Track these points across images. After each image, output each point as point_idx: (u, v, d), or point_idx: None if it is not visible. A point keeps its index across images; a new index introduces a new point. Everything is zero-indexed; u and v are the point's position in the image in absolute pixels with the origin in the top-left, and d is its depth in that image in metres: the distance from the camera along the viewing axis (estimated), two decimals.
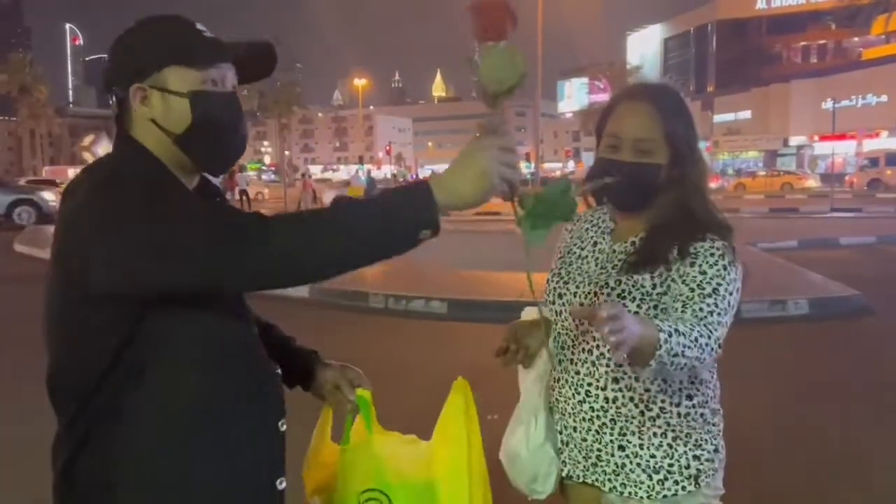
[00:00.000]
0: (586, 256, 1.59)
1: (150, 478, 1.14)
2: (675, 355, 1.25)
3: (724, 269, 1.40)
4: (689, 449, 1.48)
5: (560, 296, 1.58)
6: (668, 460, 1.47)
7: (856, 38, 57.43)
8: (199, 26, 1.22)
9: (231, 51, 1.22)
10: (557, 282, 1.60)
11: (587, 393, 1.52)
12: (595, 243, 1.60)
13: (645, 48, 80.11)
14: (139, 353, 1.10)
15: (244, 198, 26.68)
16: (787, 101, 56.57)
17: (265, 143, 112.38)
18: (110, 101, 1.22)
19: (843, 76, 52.35)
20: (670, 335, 1.24)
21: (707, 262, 1.41)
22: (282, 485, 1.27)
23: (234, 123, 1.24)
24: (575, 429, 1.54)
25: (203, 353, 1.15)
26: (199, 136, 1.20)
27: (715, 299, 1.37)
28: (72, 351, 1.13)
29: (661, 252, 1.45)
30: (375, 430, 1.46)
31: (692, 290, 1.39)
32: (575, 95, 78.30)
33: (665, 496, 1.46)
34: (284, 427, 1.29)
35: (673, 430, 1.47)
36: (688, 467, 1.47)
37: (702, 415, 1.50)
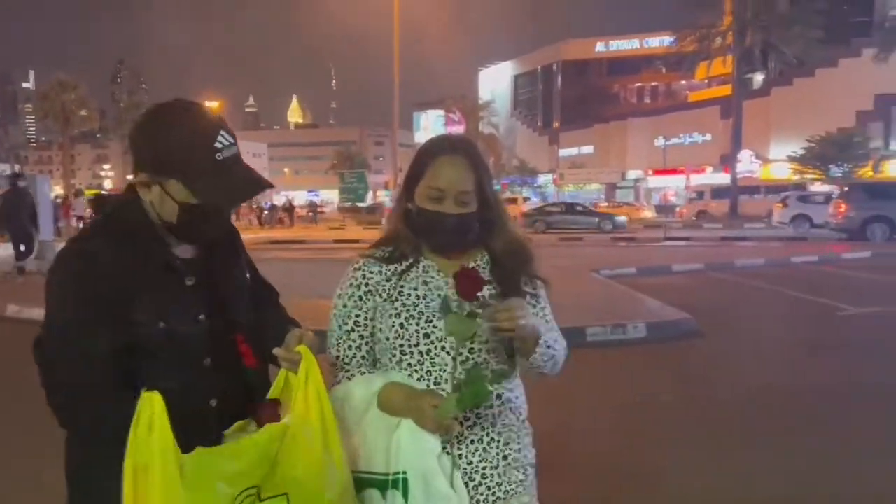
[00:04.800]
0: (426, 295, 1.61)
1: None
2: (549, 347, 1.55)
3: (541, 288, 1.70)
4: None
5: (427, 336, 1.58)
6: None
7: (683, 82, 63.09)
8: (218, 142, 1.42)
9: (218, 192, 1.43)
10: (416, 330, 1.58)
11: (477, 416, 1.60)
12: (425, 282, 1.63)
13: (496, 84, 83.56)
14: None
15: (81, 224, 24.88)
16: (625, 138, 61.13)
17: (106, 166, 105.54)
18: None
19: (673, 116, 57.38)
20: (545, 330, 1.56)
21: (533, 285, 1.69)
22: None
23: (213, 223, 1.49)
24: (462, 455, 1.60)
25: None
26: (181, 229, 1.47)
27: (546, 312, 1.69)
28: None
29: (511, 282, 1.64)
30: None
31: (533, 306, 1.65)
32: (431, 126, 79.95)
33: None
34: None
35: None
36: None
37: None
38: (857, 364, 6.95)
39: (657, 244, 22.25)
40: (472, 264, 1.65)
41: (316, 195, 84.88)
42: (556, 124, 74.33)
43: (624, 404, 5.58)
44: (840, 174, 38.31)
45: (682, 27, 42.20)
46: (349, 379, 1.62)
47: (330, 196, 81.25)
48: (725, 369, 6.84)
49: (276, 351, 1.48)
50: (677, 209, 42.81)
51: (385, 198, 62.48)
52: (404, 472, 1.47)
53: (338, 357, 1.65)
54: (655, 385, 6.15)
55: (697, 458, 4.39)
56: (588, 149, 64.68)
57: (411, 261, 1.66)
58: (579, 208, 31.79)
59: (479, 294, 1.49)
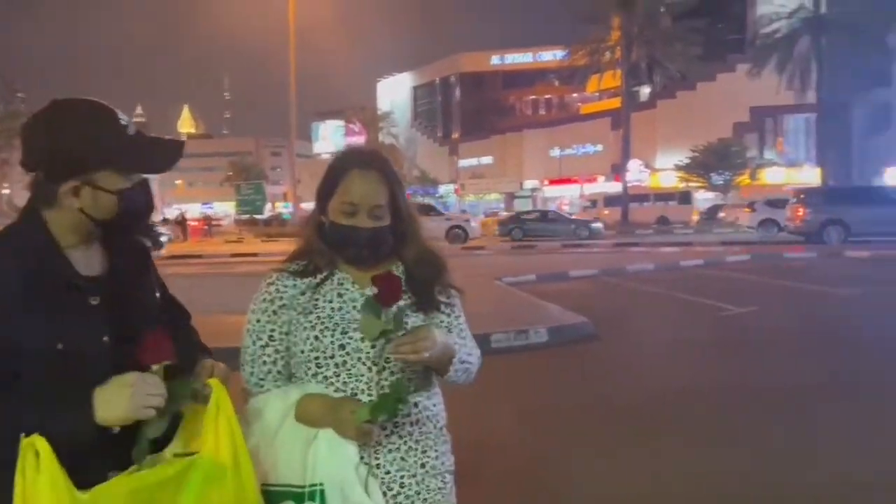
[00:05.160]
0: (341, 308, 1.62)
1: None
2: (463, 362, 1.61)
3: (456, 297, 1.74)
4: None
5: (342, 347, 1.58)
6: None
7: (575, 95, 65.50)
8: (121, 119, 1.42)
9: (150, 160, 1.45)
10: (332, 342, 1.59)
11: (394, 425, 1.59)
12: (340, 295, 1.64)
13: (395, 94, 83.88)
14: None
15: None
16: (522, 149, 62.73)
17: None
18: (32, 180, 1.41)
19: (567, 127, 59.39)
20: (459, 346, 1.60)
21: (447, 294, 1.71)
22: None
23: (149, 206, 1.49)
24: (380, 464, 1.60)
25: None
26: (121, 222, 1.44)
27: (460, 321, 1.72)
28: None
29: (425, 292, 1.67)
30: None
31: (448, 315, 1.69)
32: (330, 137, 79.29)
33: None
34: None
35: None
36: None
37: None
38: (742, 361, 7.41)
39: (555, 252, 22.94)
40: None
41: (210, 207, 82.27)
42: (455, 135, 75.41)
43: (531, 409, 5.71)
44: (721, 182, 40.81)
45: (574, 42, 43.87)
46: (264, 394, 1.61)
47: (225, 208, 78.84)
48: (624, 370, 7.14)
49: (191, 383, 1.44)
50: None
51: (284, 209, 61.35)
52: (321, 484, 1.47)
53: (252, 373, 1.64)
54: (560, 388, 6.35)
55: (604, 459, 4.55)
56: (487, 159, 65.94)
57: (326, 274, 1.66)
58: (553, 216, 32.58)
59: (395, 304, 1.51)
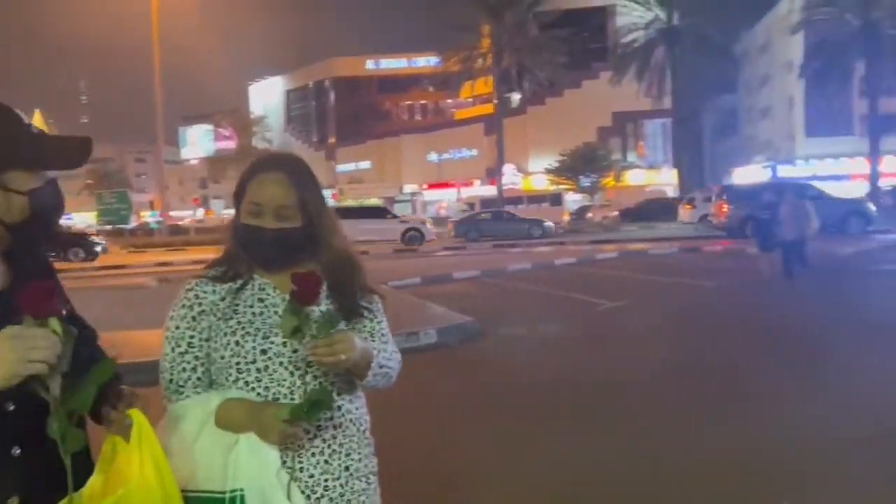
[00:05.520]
0: (262, 312, 1.64)
1: None
2: (382, 367, 1.62)
3: (377, 301, 1.76)
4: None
5: (264, 352, 1.60)
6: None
7: (450, 101, 66.63)
8: (24, 119, 1.36)
9: (58, 156, 1.41)
10: (253, 347, 1.60)
11: (318, 428, 1.60)
12: (261, 300, 1.66)
13: (268, 98, 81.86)
14: None
15: None
16: (399, 153, 63.07)
17: None
18: None
19: (443, 132, 60.33)
20: (378, 351, 1.61)
21: (370, 300, 1.73)
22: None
23: (60, 206, 1.45)
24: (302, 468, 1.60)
25: None
26: (34, 224, 1.38)
27: (382, 326, 1.74)
28: None
29: (345, 297, 1.69)
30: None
31: (371, 321, 1.71)
32: (199, 142, 76.18)
33: None
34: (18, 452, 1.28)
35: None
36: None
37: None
38: (620, 351, 7.91)
39: (437, 255, 23.29)
40: None
41: (69, 218, 76.74)
42: (331, 140, 74.62)
43: (431, 408, 5.85)
44: (588, 184, 42.89)
45: (447, 48, 44.69)
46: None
47: (85, 219, 73.98)
48: (512, 366, 7.44)
49: (107, 412, 1.36)
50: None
51: (150, 219, 58.32)
52: (241, 490, 1.47)
53: (171, 380, 1.61)
54: (453, 387, 6.53)
55: (504, 451, 4.78)
56: (365, 164, 65.78)
57: (246, 279, 1.67)
58: (506, 216, 32.85)
59: (313, 306, 1.52)
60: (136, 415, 1.35)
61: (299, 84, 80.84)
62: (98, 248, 26.60)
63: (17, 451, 1.24)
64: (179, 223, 50.11)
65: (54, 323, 1.22)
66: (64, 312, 1.31)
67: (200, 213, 68.43)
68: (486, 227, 31.54)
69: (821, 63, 37.27)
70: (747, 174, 56.75)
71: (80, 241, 26.82)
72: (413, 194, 61.86)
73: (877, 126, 35.61)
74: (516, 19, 42.51)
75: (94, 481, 1.32)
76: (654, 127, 53.62)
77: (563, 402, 5.90)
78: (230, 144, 66.40)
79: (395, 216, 30.97)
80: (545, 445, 4.78)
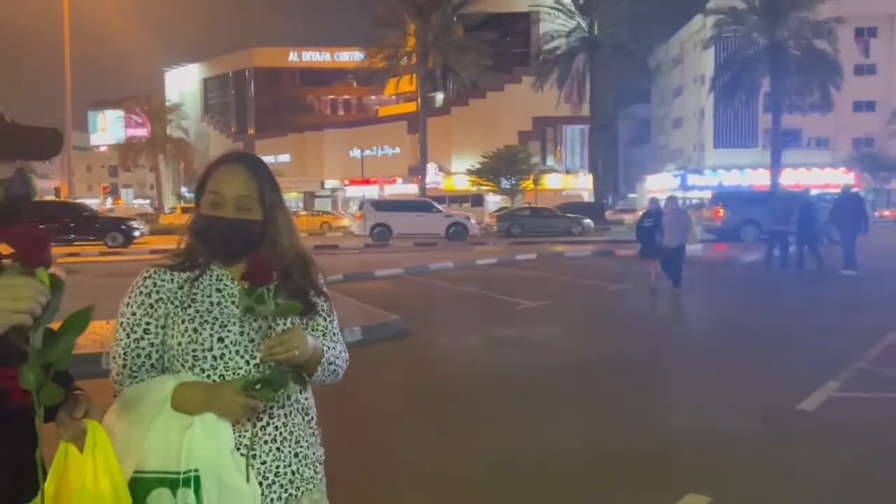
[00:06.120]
0: (220, 302, 1.71)
1: None
2: (331, 364, 1.72)
3: (328, 300, 1.83)
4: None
5: (221, 340, 1.66)
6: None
7: (373, 97, 66.33)
8: None
9: (39, 146, 1.39)
10: (211, 335, 1.67)
11: (270, 416, 1.69)
12: (219, 290, 1.73)
13: (184, 86, 79.22)
14: None
15: None
16: (321, 148, 62.29)
17: None
18: None
19: (366, 129, 59.96)
20: (328, 348, 1.71)
21: (324, 297, 1.82)
22: None
23: (31, 195, 1.43)
24: (255, 455, 1.68)
25: None
26: (6, 212, 1.34)
27: (334, 324, 1.83)
28: None
29: (297, 294, 1.76)
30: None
31: (324, 319, 1.80)
32: (110, 128, 72.92)
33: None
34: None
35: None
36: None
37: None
38: (540, 350, 8.22)
39: (359, 252, 23.24)
40: None
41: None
42: (251, 131, 72.95)
43: (356, 406, 5.94)
44: (509, 186, 43.66)
45: (371, 45, 44.50)
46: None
47: None
48: (437, 363, 7.62)
49: (63, 417, 1.34)
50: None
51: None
52: (196, 470, 1.50)
53: (124, 366, 1.65)
54: (379, 385, 6.64)
55: (431, 443, 4.96)
56: (285, 157, 64.57)
57: (203, 269, 1.73)
58: (546, 213, 33.06)
59: (264, 286, 1.58)
60: (92, 424, 1.35)
61: (218, 72, 78.57)
62: (136, 234, 25.63)
63: None
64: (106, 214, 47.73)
65: (42, 274, 1.17)
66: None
67: (109, 202, 65.50)
68: (528, 223, 31.94)
69: (729, 78, 39.36)
70: (659, 181, 59.20)
71: (120, 225, 25.99)
72: (334, 190, 61.25)
73: (778, 140, 37.99)
74: (442, 20, 42.78)
75: (47, 487, 1.30)
76: (573, 133, 55.08)
77: (484, 399, 6.12)
78: (142, 132, 63.97)
79: (438, 210, 30.56)
80: (463, 441, 4.98)
